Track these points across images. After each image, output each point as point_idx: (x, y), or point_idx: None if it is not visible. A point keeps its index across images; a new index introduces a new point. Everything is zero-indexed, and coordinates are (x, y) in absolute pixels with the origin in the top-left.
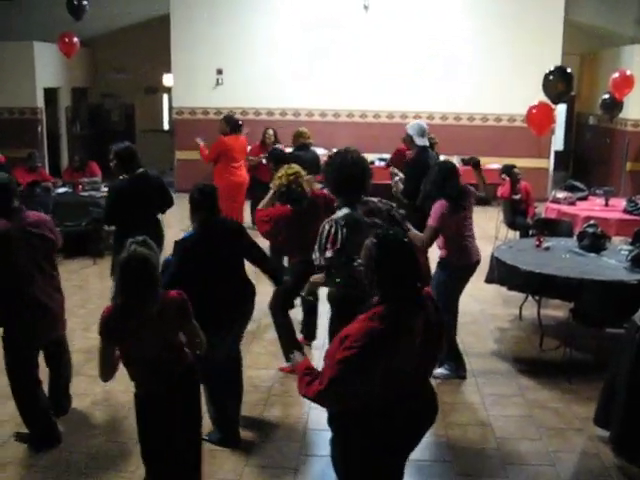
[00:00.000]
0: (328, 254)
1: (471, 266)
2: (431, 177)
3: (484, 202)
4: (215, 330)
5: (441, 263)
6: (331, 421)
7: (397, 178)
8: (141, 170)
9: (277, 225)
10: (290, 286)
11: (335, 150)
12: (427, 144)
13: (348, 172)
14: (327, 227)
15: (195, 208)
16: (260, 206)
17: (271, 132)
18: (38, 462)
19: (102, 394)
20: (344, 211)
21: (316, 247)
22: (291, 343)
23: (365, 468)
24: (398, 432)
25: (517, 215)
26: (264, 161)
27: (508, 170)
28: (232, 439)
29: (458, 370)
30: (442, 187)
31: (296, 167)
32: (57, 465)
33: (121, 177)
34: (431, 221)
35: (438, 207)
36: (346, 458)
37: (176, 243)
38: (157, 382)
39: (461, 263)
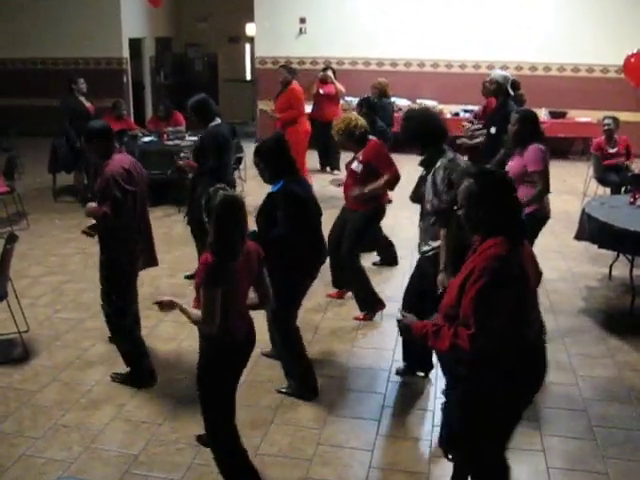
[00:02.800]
0: (444, 197)
1: (547, 219)
2: (523, 124)
3: None
4: (310, 275)
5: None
6: (457, 371)
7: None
8: (219, 120)
9: (386, 157)
10: (362, 230)
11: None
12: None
13: (436, 123)
14: (441, 172)
15: (274, 158)
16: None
17: (331, 70)
18: (128, 402)
19: (187, 340)
20: (449, 155)
21: (430, 194)
22: (366, 290)
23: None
24: (527, 373)
25: (608, 170)
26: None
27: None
28: (312, 391)
29: None
30: (535, 133)
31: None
32: (146, 406)
33: (214, 123)
34: (536, 165)
35: (537, 150)
36: (479, 406)
37: (269, 195)
38: (241, 331)
39: (541, 214)
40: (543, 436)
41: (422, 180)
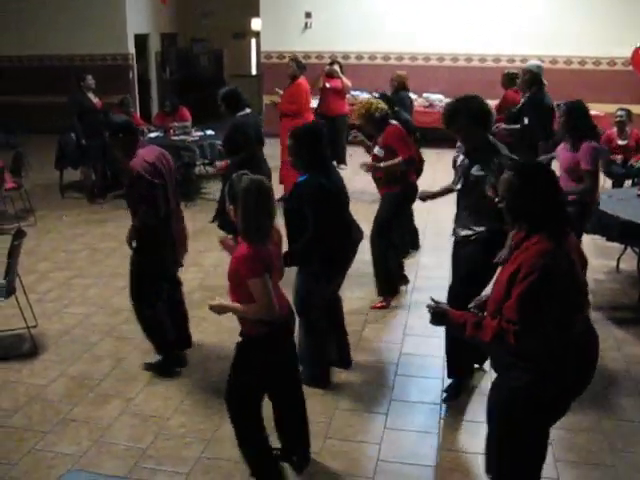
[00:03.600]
0: None
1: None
2: (570, 116)
3: None
4: (340, 271)
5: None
6: (505, 364)
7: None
8: (249, 110)
9: (403, 140)
10: (390, 210)
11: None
12: None
13: (487, 109)
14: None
15: (309, 144)
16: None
17: (338, 64)
18: (137, 396)
19: (195, 334)
20: (502, 151)
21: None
22: (387, 277)
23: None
24: (571, 374)
25: (614, 163)
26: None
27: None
28: (324, 380)
29: None
30: (585, 126)
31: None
32: (155, 400)
33: (242, 113)
34: (589, 165)
35: (591, 149)
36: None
37: (297, 185)
38: (283, 306)
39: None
40: (551, 429)
41: (466, 169)
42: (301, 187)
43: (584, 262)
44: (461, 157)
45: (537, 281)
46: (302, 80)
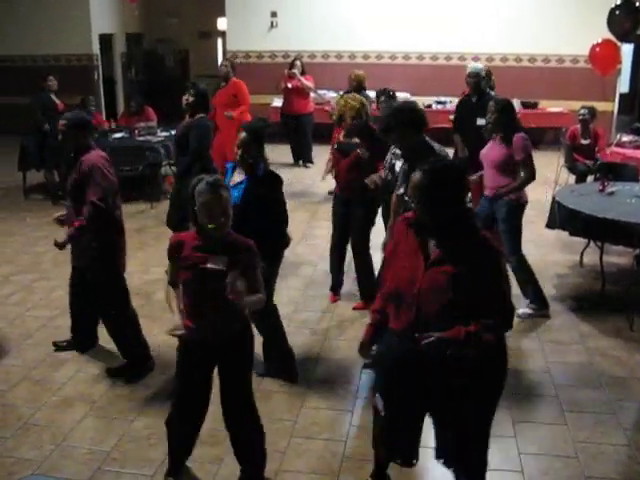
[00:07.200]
0: None
1: (526, 205)
2: (504, 113)
3: None
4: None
5: (511, 203)
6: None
7: None
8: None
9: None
10: (366, 220)
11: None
12: None
13: (421, 113)
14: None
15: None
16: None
17: (299, 63)
18: (100, 399)
19: (160, 335)
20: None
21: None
22: (371, 280)
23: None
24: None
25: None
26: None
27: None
28: (294, 374)
29: (544, 309)
30: (515, 121)
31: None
32: (118, 402)
33: (200, 115)
34: (524, 153)
35: (523, 139)
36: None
37: (257, 180)
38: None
39: (524, 200)
40: (515, 422)
41: (405, 174)
42: (260, 180)
43: None
44: (399, 162)
45: (506, 276)
46: (237, 79)
